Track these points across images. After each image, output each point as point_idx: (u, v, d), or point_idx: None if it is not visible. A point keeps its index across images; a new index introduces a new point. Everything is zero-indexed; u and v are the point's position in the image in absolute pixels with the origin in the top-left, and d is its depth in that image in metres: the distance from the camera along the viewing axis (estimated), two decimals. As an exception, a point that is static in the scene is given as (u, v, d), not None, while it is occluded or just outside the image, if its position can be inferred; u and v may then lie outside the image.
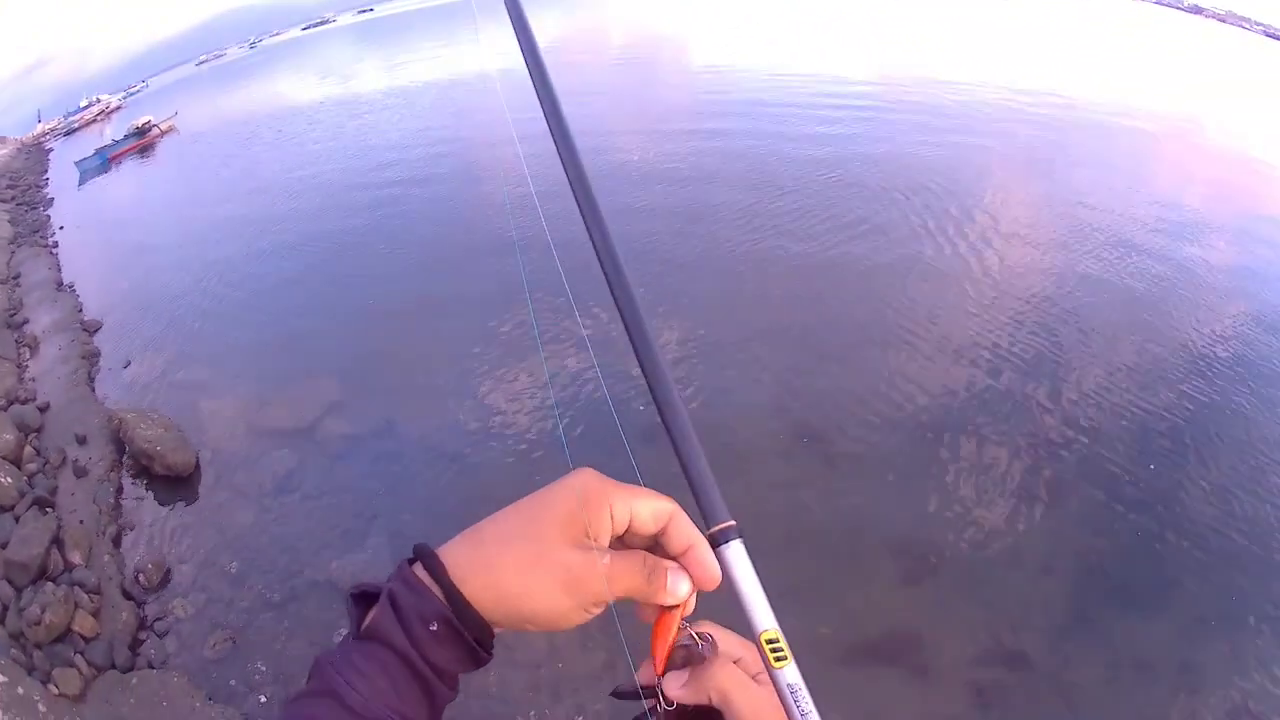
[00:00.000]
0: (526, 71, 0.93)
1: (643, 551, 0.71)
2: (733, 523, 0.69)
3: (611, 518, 0.70)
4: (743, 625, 0.67)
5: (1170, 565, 6.81)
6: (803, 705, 0.65)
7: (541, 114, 0.90)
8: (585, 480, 0.71)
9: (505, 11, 1.00)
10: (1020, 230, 13.06)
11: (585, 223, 0.86)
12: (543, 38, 0.95)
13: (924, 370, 9.37)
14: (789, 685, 0.65)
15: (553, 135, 0.88)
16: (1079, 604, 6.49)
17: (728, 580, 0.69)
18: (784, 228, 13.54)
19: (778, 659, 0.66)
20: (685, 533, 0.71)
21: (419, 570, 0.70)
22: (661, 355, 0.75)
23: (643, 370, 0.74)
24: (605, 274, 0.83)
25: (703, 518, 0.71)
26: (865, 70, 25.12)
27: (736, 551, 0.70)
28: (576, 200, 0.87)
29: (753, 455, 8.19)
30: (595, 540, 0.70)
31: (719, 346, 10.16)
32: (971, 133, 18.61)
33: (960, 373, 9.28)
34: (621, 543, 0.73)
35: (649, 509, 0.71)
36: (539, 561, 0.68)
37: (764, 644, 0.66)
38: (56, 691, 6.44)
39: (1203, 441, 8.23)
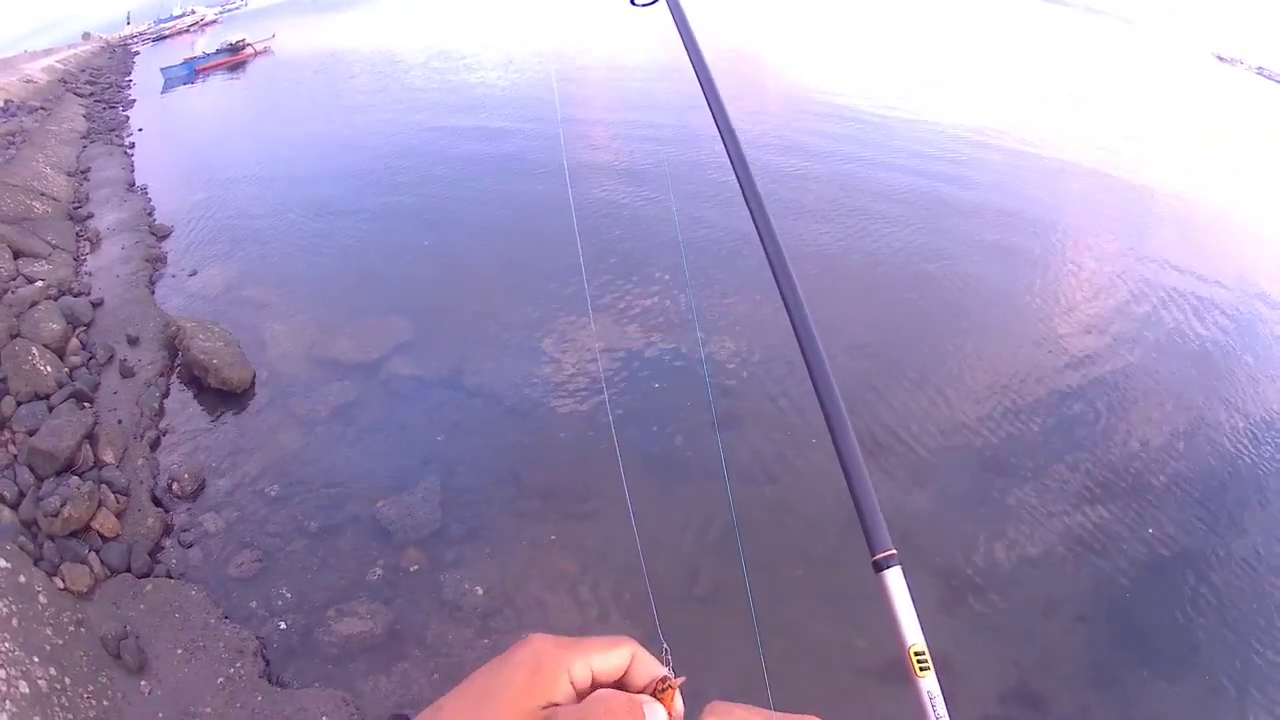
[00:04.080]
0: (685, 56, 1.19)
1: (609, 692, 0.76)
2: (894, 551, 0.96)
3: (572, 682, 0.74)
4: (895, 638, 0.92)
5: (1200, 630, 7.16)
6: (939, 710, 0.89)
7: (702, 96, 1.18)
8: (537, 650, 0.75)
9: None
10: (1097, 287, 13.35)
11: (760, 236, 1.16)
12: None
13: (990, 403, 9.81)
14: (928, 692, 0.89)
15: (721, 138, 1.18)
16: (1105, 656, 6.86)
17: (885, 599, 0.93)
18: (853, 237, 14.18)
19: (922, 669, 0.90)
20: (646, 672, 0.79)
21: None
22: (839, 395, 1.02)
23: (825, 415, 1.03)
24: (782, 295, 1.15)
25: (868, 544, 0.97)
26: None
27: (895, 575, 0.97)
28: (752, 215, 1.16)
29: (808, 450, 8.71)
30: (562, 702, 0.73)
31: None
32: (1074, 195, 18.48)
33: (1024, 413, 9.69)
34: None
35: (609, 663, 0.77)
36: None
37: (912, 655, 0.91)
38: (62, 585, 6.86)
39: (1249, 512, 8.56)
